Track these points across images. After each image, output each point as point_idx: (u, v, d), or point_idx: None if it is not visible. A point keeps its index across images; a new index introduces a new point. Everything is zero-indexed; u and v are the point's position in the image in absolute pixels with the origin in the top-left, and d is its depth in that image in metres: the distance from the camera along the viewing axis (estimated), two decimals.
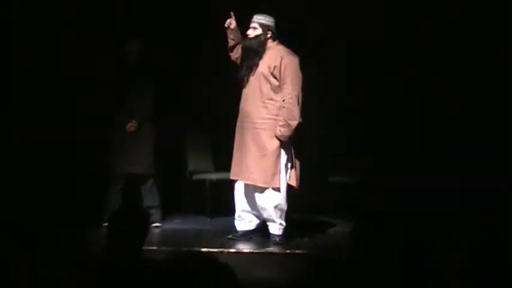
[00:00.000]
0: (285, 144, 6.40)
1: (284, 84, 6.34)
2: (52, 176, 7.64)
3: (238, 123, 6.54)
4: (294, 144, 6.46)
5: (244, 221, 6.64)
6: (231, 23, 6.51)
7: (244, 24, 6.53)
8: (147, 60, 7.26)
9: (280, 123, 6.34)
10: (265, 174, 6.40)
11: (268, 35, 6.41)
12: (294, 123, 6.32)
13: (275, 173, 6.38)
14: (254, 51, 6.42)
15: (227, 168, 6.68)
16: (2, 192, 7.14)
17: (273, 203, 6.46)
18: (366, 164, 7.86)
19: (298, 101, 6.34)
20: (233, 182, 6.63)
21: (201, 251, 5.76)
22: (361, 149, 7.97)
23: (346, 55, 8.05)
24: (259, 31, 6.42)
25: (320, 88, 7.55)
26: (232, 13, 6.47)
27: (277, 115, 6.37)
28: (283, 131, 6.33)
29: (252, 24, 6.44)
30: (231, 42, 6.58)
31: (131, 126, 7.03)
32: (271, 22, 6.43)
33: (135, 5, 8.02)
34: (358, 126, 8.03)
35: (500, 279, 3.19)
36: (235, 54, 6.60)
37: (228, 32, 6.54)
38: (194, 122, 8.08)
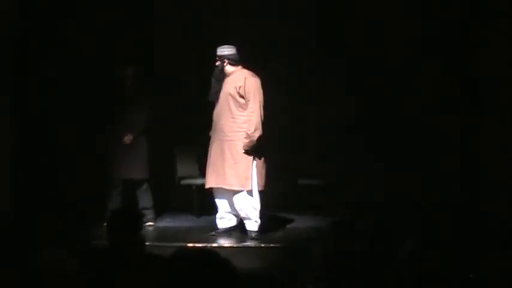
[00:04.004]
0: (256, 153, 6.89)
1: (248, 101, 6.86)
2: (62, 179, 8.14)
3: (213, 138, 7.03)
4: (262, 153, 6.93)
5: (224, 219, 7.12)
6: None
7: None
8: (143, 82, 7.67)
9: (245, 135, 6.87)
10: (239, 179, 6.88)
11: (225, 63, 7.00)
12: (255, 134, 6.83)
13: (248, 177, 6.85)
14: (216, 78, 7.03)
15: None
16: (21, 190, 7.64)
17: (248, 204, 6.92)
18: (330, 169, 8.28)
19: (260, 115, 6.84)
20: (211, 188, 7.11)
21: (189, 246, 6.37)
22: (326, 156, 8.39)
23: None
24: (218, 62, 7.02)
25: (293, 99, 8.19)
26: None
27: (245, 128, 6.85)
28: (246, 142, 6.82)
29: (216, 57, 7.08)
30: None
31: (127, 139, 7.55)
32: (228, 51, 7.00)
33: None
34: (325, 136, 8.47)
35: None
36: None
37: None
38: (182, 134, 8.41)
